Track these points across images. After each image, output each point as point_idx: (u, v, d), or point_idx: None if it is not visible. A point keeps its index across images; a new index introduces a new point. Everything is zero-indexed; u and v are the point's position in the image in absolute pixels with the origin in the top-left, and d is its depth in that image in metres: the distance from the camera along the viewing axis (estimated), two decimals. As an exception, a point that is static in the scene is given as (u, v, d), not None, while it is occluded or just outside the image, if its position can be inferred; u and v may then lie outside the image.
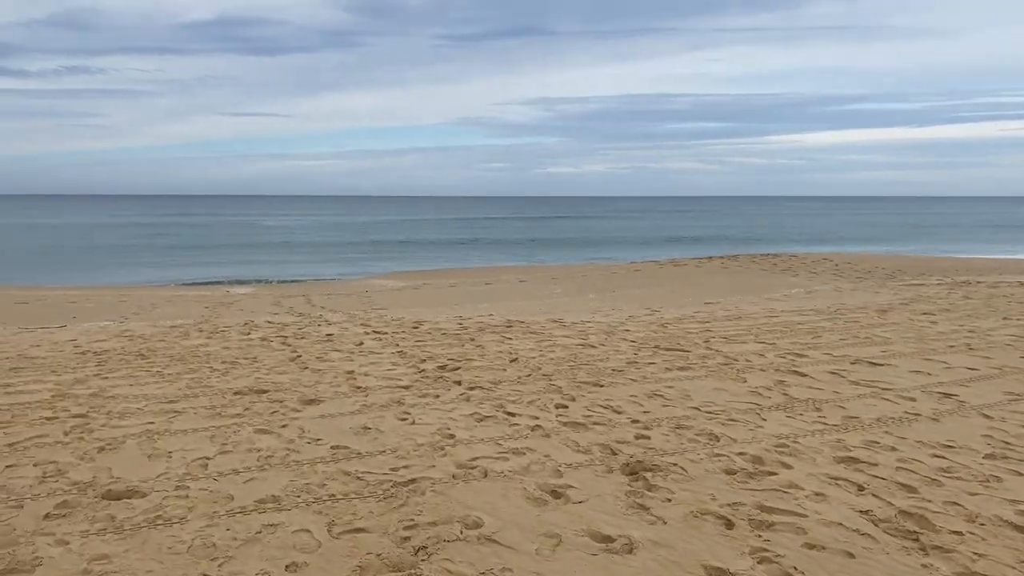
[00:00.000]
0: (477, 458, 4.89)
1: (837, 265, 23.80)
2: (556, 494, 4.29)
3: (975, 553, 3.57)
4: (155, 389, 6.81)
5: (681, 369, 7.48)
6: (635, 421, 5.69)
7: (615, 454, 4.94)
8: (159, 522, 3.94)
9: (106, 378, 7.28)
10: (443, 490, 4.36)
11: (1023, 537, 3.75)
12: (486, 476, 4.57)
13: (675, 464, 4.74)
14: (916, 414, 5.88)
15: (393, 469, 4.71)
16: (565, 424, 5.62)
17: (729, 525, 3.88)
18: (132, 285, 24.12)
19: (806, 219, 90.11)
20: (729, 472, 4.61)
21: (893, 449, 5.03)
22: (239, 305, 15.77)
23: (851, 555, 3.56)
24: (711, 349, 8.48)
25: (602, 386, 6.81)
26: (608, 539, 3.72)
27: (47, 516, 4.02)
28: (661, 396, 6.44)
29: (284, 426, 5.65)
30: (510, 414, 5.91)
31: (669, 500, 4.19)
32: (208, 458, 4.94)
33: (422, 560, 3.52)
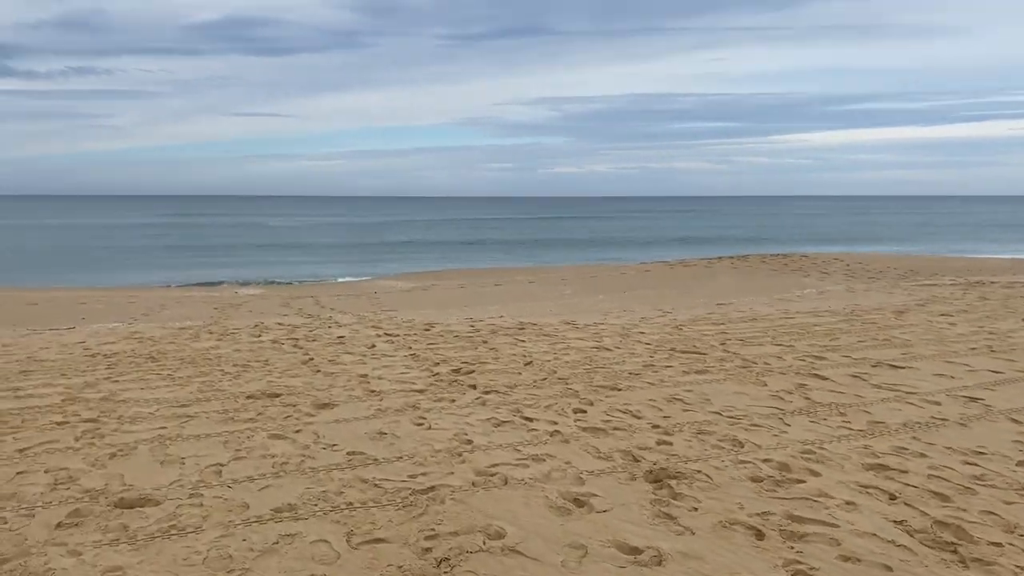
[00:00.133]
0: (496, 465, 4.78)
1: (848, 265, 23.62)
2: (579, 502, 4.18)
3: (1017, 566, 3.45)
4: (166, 393, 6.72)
5: (699, 372, 7.36)
6: (656, 426, 5.57)
7: (637, 461, 4.83)
8: (173, 532, 3.84)
9: (116, 381, 7.19)
10: (463, 498, 4.25)
11: (1065, 549, 3.62)
12: (506, 484, 4.46)
13: (699, 471, 4.62)
14: (943, 419, 5.75)
15: (411, 476, 4.60)
16: (584, 429, 5.51)
17: (760, 536, 3.76)
18: (140, 286, 24.09)
19: (814, 219, 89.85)
20: (755, 480, 4.50)
21: (922, 456, 4.91)
22: (248, 306, 15.70)
23: (888, 568, 3.44)
24: (728, 352, 8.36)
25: (619, 390, 6.69)
26: (636, 551, 3.61)
27: (59, 525, 3.93)
28: (680, 400, 6.32)
29: (298, 431, 5.55)
30: (527, 419, 5.80)
31: (696, 509, 4.08)
32: (222, 464, 4.84)
33: (444, 572, 3.42)
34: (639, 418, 5.80)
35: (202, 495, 4.32)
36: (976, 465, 4.75)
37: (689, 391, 6.62)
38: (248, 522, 3.95)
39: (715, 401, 6.30)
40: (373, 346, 9.01)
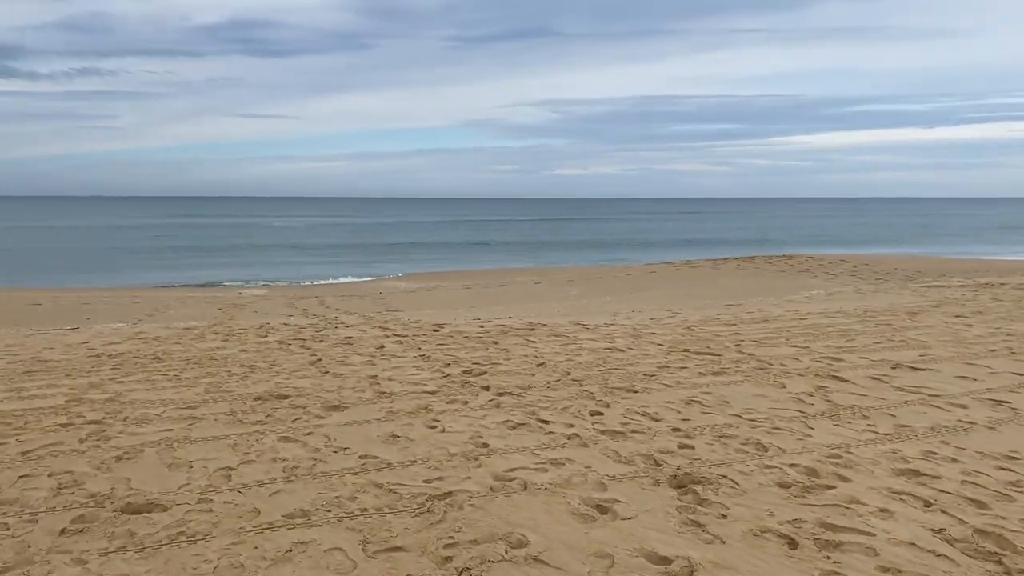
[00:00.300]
0: (514, 469, 4.63)
1: (855, 267, 23.46)
2: (602, 509, 4.03)
3: (1065, 577, 3.30)
4: (172, 394, 6.58)
5: (715, 374, 7.21)
6: (676, 429, 5.42)
7: (660, 465, 4.67)
8: (182, 539, 3.69)
9: (122, 382, 7.05)
10: (482, 504, 4.10)
11: (1113, 559, 3.47)
12: (526, 489, 4.31)
13: (724, 476, 4.47)
14: (970, 422, 5.59)
15: (427, 481, 4.45)
16: (603, 432, 5.36)
17: (793, 545, 3.61)
18: (144, 286, 23.96)
19: (816, 220, 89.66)
20: (783, 485, 4.34)
21: (954, 460, 4.75)
22: (252, 307, 15.57)
23: (931, 579, 3.29)
24: (743, 353, 8.21)
25: (636, 391, 6.54)
26: (665, 560, 3.45)
27: (63, 532, 3.78)
28: (699, 402, 6.17)
29: (309, 434, 5.40)
30: (543, 421, 5.65)
31: (724, 516, 3.92)
32: (231, 468, 4.69)
33: (466, 583, 3.27)
34: (658, 421, 5.65)
35: (211, 500, 4.17)
36: (1010, 471, 4.59)
37: (707, 393, 6.47)
38: (260, 529, 3.80)
39: (734, 403, 6.14)
40: (382, 347, 8.86)
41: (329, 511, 4.02)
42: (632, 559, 3.47)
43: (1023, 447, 5.02)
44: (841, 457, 4.81)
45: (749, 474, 4.52)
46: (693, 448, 5.00)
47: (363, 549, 3.59)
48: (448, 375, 7.25)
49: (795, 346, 8.64)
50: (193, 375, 7.30)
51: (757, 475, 4.50)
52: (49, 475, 4.57)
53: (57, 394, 6.57)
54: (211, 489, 4.34)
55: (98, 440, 5.24)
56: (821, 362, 7.74)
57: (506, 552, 3.54)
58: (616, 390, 6.59)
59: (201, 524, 3.85)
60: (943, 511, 3.98)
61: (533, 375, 7.23)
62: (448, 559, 3.47)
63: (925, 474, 4.51)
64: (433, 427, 5.54)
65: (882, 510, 3.99)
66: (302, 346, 8.95)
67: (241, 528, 3.81)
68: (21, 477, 4.54)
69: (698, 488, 4.28)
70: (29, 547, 3.60)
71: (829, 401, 6.22)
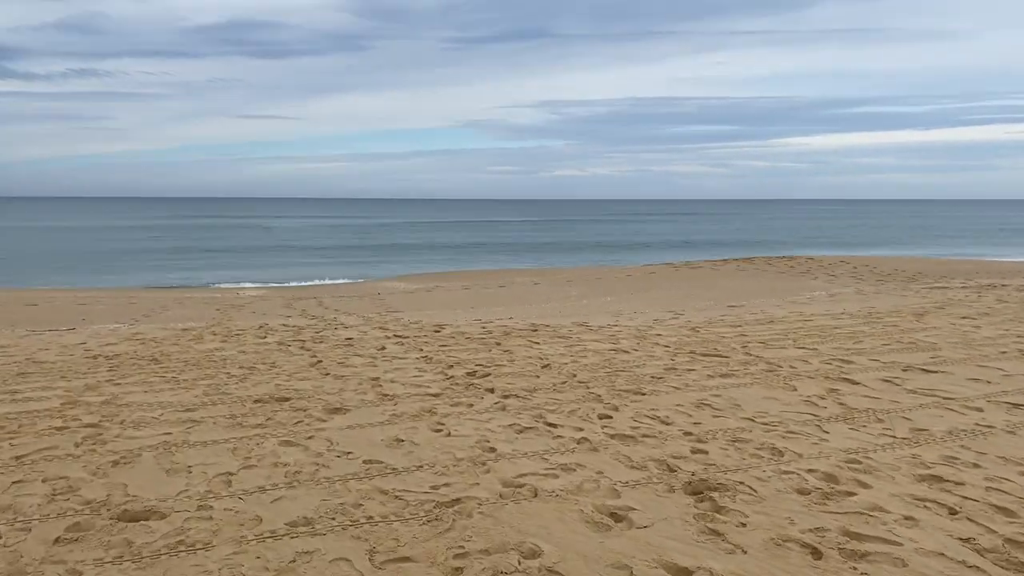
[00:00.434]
0: (524, 475, 4.49)
1: (855, 268, 23.36)
2: (617, 517, 3.89)
3: (1103, 590, 3.16)
4: (170, 396, 6.43)
5: (724, 376, 7.07)
6: (687, 433, 5.28)
7: (673, 471, 4.54)
8: (181, 548, 3.55)
9: (118, 384, 6.90)
10: (492, 512, 3.96)
11: None
12: (536, 496, 4.17)
13: (741, 483, 4.33)
14: (989, 426, 5.46)
15: (434, 487, 4.31)
16: (612, 437, 5.22)
17: (817, 555, 3.47)
18: (141, 287, 23.80)
19: (814, 222, 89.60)
20: (802, 492, 4.21)
21: (976, 466, 4.62)
22: (250, 307, 15.42)
23: (963, 591, 3.15)
24: (750, 355, 8.07)
25: (644, 394, 6.40)
26: (685, 572, 3.31)
27: (57, 540, 3.64)
28: (709, 405, 6.03)
29: (310, 437, 5.26)
30: (551, 425, 5.51)
31: (744, 525, 3.78)
32: (231, 473, 4.55)
33: (479, 595, 3.13)
34: (668, 424, 5.51)
35: (211, 507, 4.03)
36: (1035, 476, 4.46)
37: (717, 396, 6.33)
38: (262, 537, 3.66)
39: (745, 406, 6.01)
40: (383, 348, 8.71)
41: (333, 519, 3.88)
42: (651, 570, 3.33)
43: (1045, 452, 4.89)
44: (860, 462, 4.67)
45: (766, 480, 4.38)
46: (707, 453, 4.86)
47: (370, 559, 3.45)
48: (451, 377, 7.11)
49: (803, 348, 8.50)
50: (191, 377, 7.16)
51: (775, 481, 4.36)
52: (43, 480, 4.43)
53: (52, 396, 6.42)
54: (211, 495, 4.20)
55: (94, 444, 5.09)
56: (830, 364, 7.61)
57: (519, 563, 3.40)
58: (624, 393, 6.45)
59: (201, 532, 3.71)
60: (970, 519, 3.84)
61: (538, 377, 7.09)
62: (459, 570, 3.33)
63: (948, 480, 4.38)
64: (438, 431, 5.40)
65: (907, 518, 3.85)
66: (302, 347, 8.80)
67: (242, 537, 3.67)
68: (14, 483, 4.39)
69: (715, 495, 4.14)
70: (21, 557, 3.46)
71: (842, 404, 6.08)
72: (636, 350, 8.40)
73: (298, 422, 5.63)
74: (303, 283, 25.90)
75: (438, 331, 10.07)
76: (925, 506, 4.01)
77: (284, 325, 11.12)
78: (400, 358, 8.08)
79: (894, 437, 5.21)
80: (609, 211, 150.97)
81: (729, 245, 47.32)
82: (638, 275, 23.31)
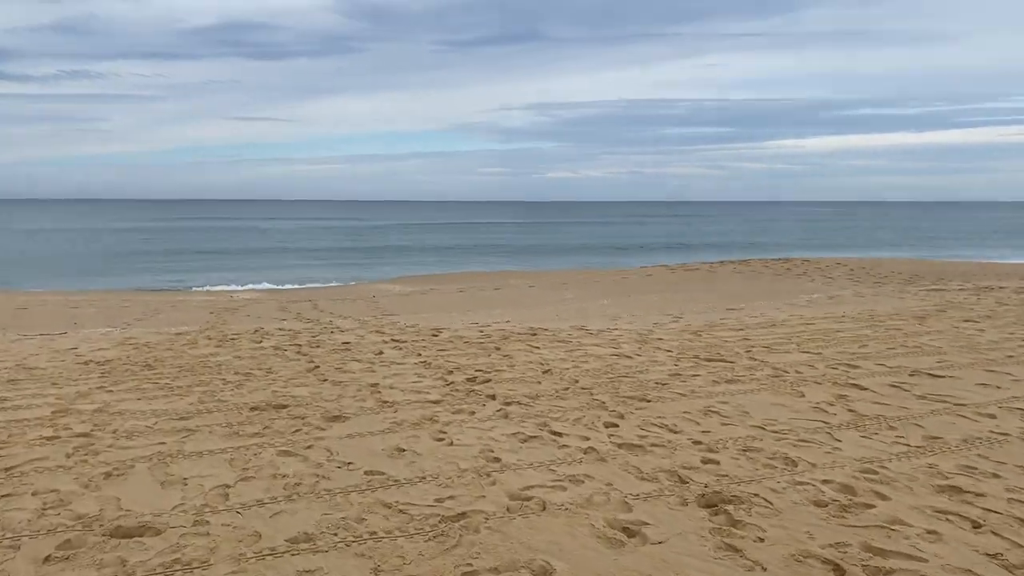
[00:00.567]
0: (531, 487, 4.35)
1: (852, 270, 23.30)
2: (630, 532, 3.75)
3: None
4: (164, 404, 6.27)
5: (729, 382, 6.94)
6: (697, 442, 5.15)
7: (685, 482, 4.40)
8: (177, 567, 3.40)
9: (111, 391, 6.74)
10: (499, 526, 3.81)
11: None
12: (545, 509, 4.03)
13: (756, 495, 4.19)
14: (1003, 434, 5.34)
15: (438, 500, 4.16)
16: (620, 446, 5.08)
17: (839, 571, 3.34)
18: (134, 290, 23.61)
19: (809, 224, 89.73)
20: (819, 504, 4.08)
21: (996, 476, 4.50)
22: (245, 310, 15.25)
23: (995, 612, 3.03)
24: (755, 360, 7.94)
25: (649, 401, 6.27)
26: (705, 590, 3.18)
27: (47, 559, 3.48)
28: (717, 413, 5.90)
29: (309, 447, 5.11)
30: (556, 434, 5.37)
31: (761, 540, 3.65)
32: (228, 486, 4.40)
33: (490, 617, 2.99)
34: (677, 433, 5.38)
35: (208, 522, 3.88)
36: (1056, 487, 4.34)
37: (724, 403, 6.20)
38: (261, 555, 3.51)
39: (754, 414, 5.88)
40: (381, 352, 8.56)
41: (335, 534, 3.73)
42: (668, 589, 3.20)
43: (1064, 461, 4.77)
44: (876, 472, 4.54)
45: (781, 492, 4.25)
46: (718, 463, 4.72)
47: (375, 578, 3.30)
48: (451, 383, 6.97)
49: (807, 352, 8.38)
50: (186, 383, 7.00)
51: (790, 493, 4.23)
52: (33, 494, 4.27)
53: (43, 404, 6.26)
54: (207, 509, 4.04)
55: (86, 455, 4.94)
56: (836, 369, 7.49)
57: (531, 582, 3.26)
58: (628, 399, 6.32)
59: (198, 550, 3.56)
60: (995, 533, 3.72)
61: (540, 383, 6.95)
62: (468, 590, 3.19)
63: (968, 491, 4.25)
64: (440, 439, 5.26)
65: (929, 531, 3.73)
66: (298, 352, 8.65)
67: (241, 554, 3.52)
68: (3, 496, 4.23)
69: (730, 508, 4.00)
70: (10, 577, 3.31)
71: (852, 411, 5.96)
72: (638, 355, 8.26)
73: (296, 431, 5.48)
74: (297, 285, 25.72)
75: (436, 335, 9.93)
76: (947, 519, 3.89)
77: (279, 329, 10.96)
78: (398, 363, 7.93)
79: (908, 445, 5.08)
80: (602, 213, 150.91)
81: (724, 247, 47.27)
82: (633, 278, 23.21)
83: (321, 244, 52.55)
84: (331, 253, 44.11)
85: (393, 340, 9.55)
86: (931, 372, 7.32)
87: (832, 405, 6.14)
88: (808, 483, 4.38)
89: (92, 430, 5.49)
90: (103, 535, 3.72)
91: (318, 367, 7.72)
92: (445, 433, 5.39)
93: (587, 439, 5.23)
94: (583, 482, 4.42)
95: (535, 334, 9.90)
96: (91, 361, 8.18)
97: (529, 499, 4.15)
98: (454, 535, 3.71)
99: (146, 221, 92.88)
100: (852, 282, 19.82)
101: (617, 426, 5.55)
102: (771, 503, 4.08)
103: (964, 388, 6.70)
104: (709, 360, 7.95)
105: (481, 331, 10.36)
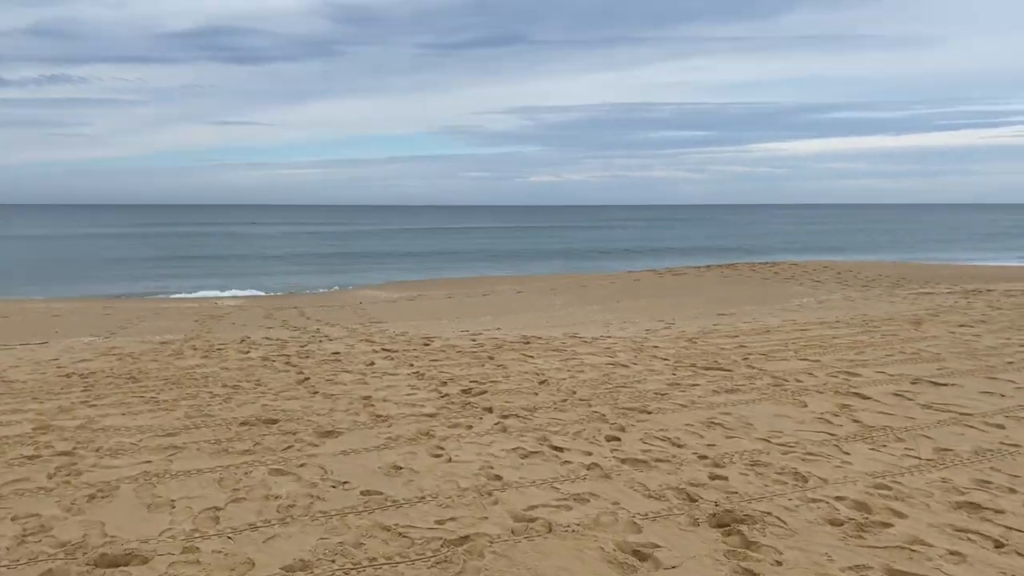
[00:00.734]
0: (535, 507, 4.18)
1: (839, 273, 23.30)
2: (641, 555, 3.59)
3: None
4: (150, 419, 6.06)
5: (729, 392, 6.80)
6: (702, 457, 4.99)
7: (694, 500, 4.25)
8: (167, 599, 3.21)
9: (94, 406, 6.52)
10: (504, 550, 3.64)
11: None
12: (551, 531, 3.86)
13: (768, 513, 4.04)
14: (1014, 445, 5.22)
15: (439, 522, 3.99)
16: (623, 461, 4.92)
17: (863, 597, 3.19)
18: (116, 297, 23.28)
19: (792, 227, 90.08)
20: (835, 523, 3.93)
21: (1012, 491, 4.37)
22: (230, 318, 15.02)
23: (1030, 640, 2.89)
24: (753, 368, 7.82)
25: (650, 412, 6.11)
26: (725, 620, 3.03)
27: (28, 592, 3.29)
28: (720, 425, 5.76)
29: (302, 465, 4.92)
30: (557, 448, 5.20)
31: (779, 563, 3.50)
32: (218, 508, 4.20)
33: (501, 652, 2.82)
34: (681, 447, 5.22)
35: (198, 549, 3.68)
36: (1076, 502, 4.21)
37: (726, 414, 6.06)
38: (256, 585, 3.33)
39: (758, 425, 5.73)
40: (372, 363, 8.37)
41: (333, 560, 3.55)
42: (687, 619, 3.04)
43: (1080, 474, 4.66)
44: (889, 488, 4.40)
45: (795, 510, 4.10)
46: (726, 479, 4.57)
47: (376, 610, 3.13)
48: (446, 395, 6.79)
49: (805, 359, 8.26)
50: (172, 397, 6.78)
51: (804, 511, 4.08)
52: (12, 519, 4.05)
53: (23, 420, 6.03)
54: (197, 535, 3.85)
55: (68, 475, 4.73)
56: (837, 377, 7.37)
57: (542, 612, 3.09)
58: (629, 411, 6.16)
59: (188, 580, 3.37)
60: (1019, 553, 3.58)
61: (536, 394, 6.79)
62: (476, 622, 3.02)
63: (986, 508, 4.12)
64: (438, 456, 5.08)
65: (952, 552, 3.59)
66: (287, 363, 8.44)
67: (234, 584, 3.33)
68: (-19, 522, 4.02)
69: (743, 528, 3.85)
70: (-12, 613, 3.11)
71: (857, 421, 5.83)
72: (635, 364, 8.12)
73: (288, 447, 5.29)
74: (282, 292, 25.45)
75: (427, 344, 9.75)
76: (969, 538, 3.75)
77: (267, 338, 10.75)
78: (391, 374, 7.74)
79: (919, 459, 4.95)
80: (586, 217, 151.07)
81: (710, 251, 47.32)
82: (621, 283, 23.10)
83: (305, 249, 52.22)
84: (315, 258, 43.82)
85: (384, 349, 9.36)
86: (932, 380, 7.21)
87: (836, 415, 6.01)
88: (821, 500, 4.23)
89: (75, 448, 5.28)
90: (87, 564, 3.52)
91: (308, 379, 7.53)
92: (443, 449, 5.22)
93: (589, 454, 5.07)
94: (588, 501, 4.26)
95: (528, 343, 9.74)
96: (73, 373, 7.95)
97: (534, 520, 3.98)
98: (457, 561, 3.53)
99: (128, 226, 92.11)
100: (840, 286, 19.79)
101: (619, 440, 5.39)
102: (785, 522, 3.93)
103: (968, 397, 6.59)
104: (707, 368, 7.82)
105: (473, 340, 10.19)
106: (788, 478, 4.59)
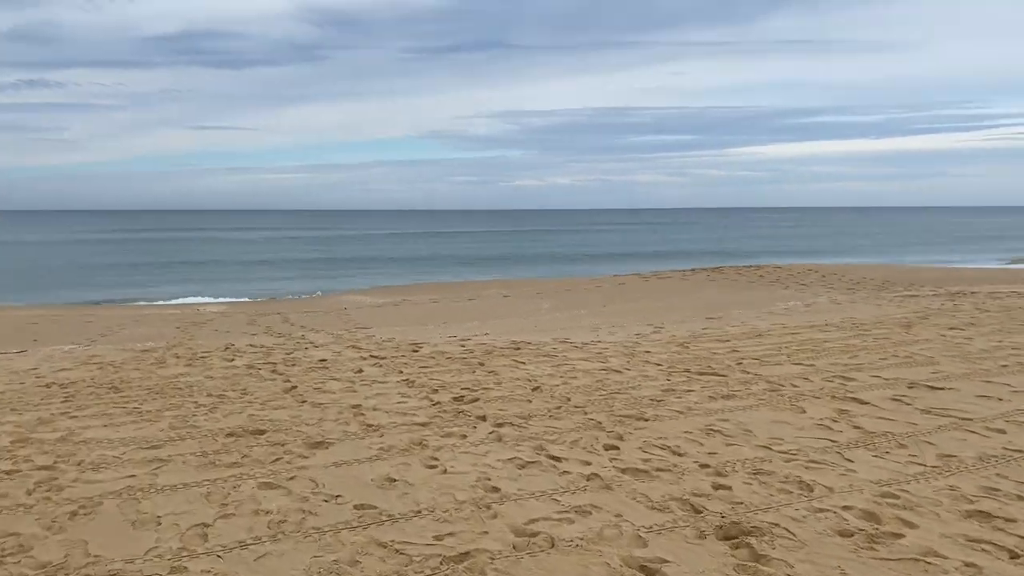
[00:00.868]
0: (535, 520, 4.05)
1: (824, 276, 23.30)
2: (648, 571, 3.46)
3: None
4: (133, 431, 5.88)
5: (726, 398, 6.70)
6: (704, 466, 4.88)
7: (699, 512, 4.13)
8: (154, 624, 3.05)
9: (75, 417, 6.33)
10: (507, 568, 3.51)
11: None
12: (554, 546, 3.73)
13: (776, 524, 3.93)
14: (1018, 450, 5.14)
15: (437, 538, 3.85)
16: (623, 471, 4.80)
17: (881, 614, 3.08)
18: (96, 304, 22.95)
19: (773, 230, 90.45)
20: (844, 534, 3.82)
21: (1021, 498, 4.28)
22: (212, 325, 14.80)
23: (1057, 658, 2.78)
24: (748, 373, 7.72)
25: (647, 420, 6.00)
26: (741, 640, 2.91)
27: (7, 618, 3.13)
28: (719, 432, 5.65)
29: (292, 478, 4.77)
30: (555, 458, 5.07)
31: (791, 578, 3.38)
32: (206, 525, 4.05)
33: None
34: (681, 455, 5.11)
35: (187, 569, 3.53)
36: (1087, 510, 4.13)
37: (725, 420, 5.95)
38: (248, 607, 3.18)
39: (757, 432, 5.63)
40: (360, 370, 8.21)
41: (328, 581, 3.40)
42: (700, 639, 2.92)
43: (1088, 480, 4.57)
44: (897, 496, 4.30)
45: (802, 521, 3.99)
46: (730, 489, 4.46)
47: (376, 633, 2.99)
48: (437, 403, 6.65)
49: (799, 364, 8.18)
50: (156, 407, 6.61)
51: (812, 522, 3.97)
52: (-9, 539, 3.89)
53: (0, 433, 5.84)
54: (185, 554, 3.69)
55: (48, 491, 4.56)
56: (832, 382, 7.29)
57: (549, 634, 2.96)
58: (625, 418, 6.04)
59: (176, 603, 3.22)
60: (1035, 565, 3.49)
61: (530, 402, 6.66)
62: (481, 645, 2.89)
63: (997, 516, 4.02)
64: (432, 467, 4.94)
65: (967, 564, 3.48)
66: (273, 371, 8.27)
67: (225, 607, 3.18)
68: (-43, 542, 3.85)
69: (751, 541, 3.73)
70: (-36, 641, 2.95)
71: (858, 427, 5.73)
72: (628, 369, 8.00)
73: (277, 459, 5.14)
74: (265, 297, 25.19)
75: (416, 350, 9.60)
76: (983, 549, 3.65)
77: (251, 345, 10.56)
78: (380, 382, 7.59)
79: (924, 465, 4.86)
80: (569, 221, 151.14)
81: (694, 255, 47.31)
82: (607, 287, 23.01)
83: (288, 255, 51.84)
84: (299, 264, 43.48)
85: (372, 356, 9.20)
86: (929, 384, 7.13)
87: (836, 421, 5.91)
88: (828, 510, 4.12)
89: (55, 462, 5.10)
90: (70, 587, 3.36)
91: (295, 387, 7.36)
92: (437, 459, 5.08)
93: (588, 464, 4.95)
94: (591, 513, 4.14)
95: (519, 348, 9.61)
96: (53, 383, 7.75)
97: (535, 535, 3.85)
98: (459, 579, 3.40)
99: (107, 232, 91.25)
100: (826, 288, 19.78)
101: (618, 448, 5.27)
102: (794, 534, 3.82)
103: (965, 401, 6.51)
104: (701, 374, 7.71)
105: (463, 345, 10.05)
106: (793, 487, 4.49)
